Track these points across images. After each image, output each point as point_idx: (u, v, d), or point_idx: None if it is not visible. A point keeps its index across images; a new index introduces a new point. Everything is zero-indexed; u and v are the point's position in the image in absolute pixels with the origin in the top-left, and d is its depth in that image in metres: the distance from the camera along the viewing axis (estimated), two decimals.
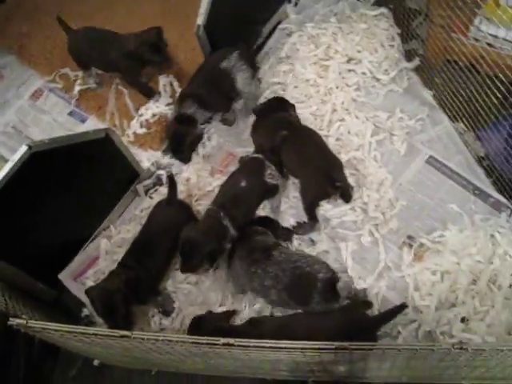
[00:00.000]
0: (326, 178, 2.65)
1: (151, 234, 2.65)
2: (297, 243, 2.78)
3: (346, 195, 2.75)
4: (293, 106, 2.97)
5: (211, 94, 2.98)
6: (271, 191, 2.73)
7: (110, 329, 2.31)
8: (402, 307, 2.33)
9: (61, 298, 2.82)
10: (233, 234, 2.54)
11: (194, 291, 2.73)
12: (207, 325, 2.38)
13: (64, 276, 2.78)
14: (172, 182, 2.72)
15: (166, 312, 2.67)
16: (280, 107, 2.94)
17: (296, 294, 2.39)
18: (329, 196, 2.74)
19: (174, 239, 2.52)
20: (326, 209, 2.84)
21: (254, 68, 3.12)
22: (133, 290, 2.42)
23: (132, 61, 3.05)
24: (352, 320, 2.32)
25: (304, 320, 2.40)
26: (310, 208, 2.75)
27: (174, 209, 2.71)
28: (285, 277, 2.38)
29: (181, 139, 3.00)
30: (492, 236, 2.66)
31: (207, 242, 2.45)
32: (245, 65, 3.00)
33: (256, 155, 2.74)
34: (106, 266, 2.81)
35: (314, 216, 2.76)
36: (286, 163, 2.80)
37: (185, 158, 3.09)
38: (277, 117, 2.87)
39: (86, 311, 2.74)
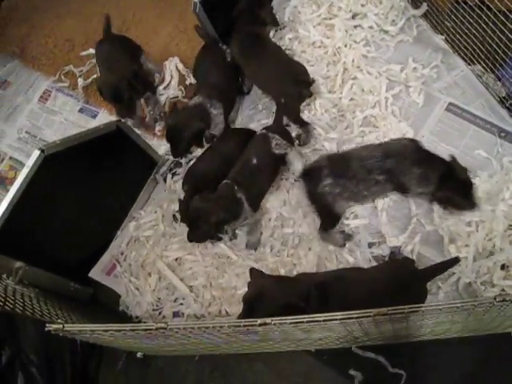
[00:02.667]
0: (296, 82, 2.79)
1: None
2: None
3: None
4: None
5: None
6: (282, 160, 2.71)
7: None
8: (454, 261, 2.29)
9: (96, 294, 2.84)
10: (246, 207, 2.54)
11: None
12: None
13: (95, 273, 2.80)
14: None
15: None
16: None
17: None
18: (304, 97, 2.86)
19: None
20: None
21: None
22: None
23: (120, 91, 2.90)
24: (403, 274, 2.25)
25: (358, 275, 2.33)
26: (296, 115, 2.87)
27: None
28: None
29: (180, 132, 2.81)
30: None
31: (214, 212, 2.45)
32: None
33: (260, 131, 2.72)
34: (136, 255, 2.82)
35: (304, 121, 2.89)
36: (255, 80, 3.03)
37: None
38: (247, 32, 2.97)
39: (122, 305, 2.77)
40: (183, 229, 2.76)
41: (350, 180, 2.41)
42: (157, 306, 2.72)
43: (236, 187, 2.52)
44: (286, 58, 2.97)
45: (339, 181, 2.42)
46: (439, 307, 1.63)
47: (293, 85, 2.79)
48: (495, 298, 1.58)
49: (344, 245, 2.67)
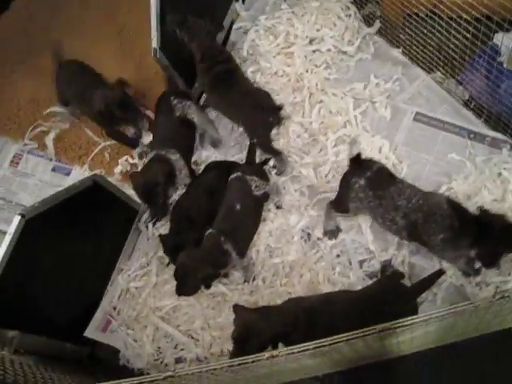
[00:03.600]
0: (263, 110, 2.84)
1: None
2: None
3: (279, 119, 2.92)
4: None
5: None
6: (265, 199, 2.76)
7: None
8: (439, 274, 2.32)
9: (95, 351, 2.79)
10: (234, 257, 2.54)
11: None
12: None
13: (91, 331, 2.74)
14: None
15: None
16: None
17: None
18: (273, 124, 2.89)
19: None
20: None
21: None
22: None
23: (104, 117, 3.01)
24: (391, 293, 2.27)
25: (345, 297, 2.35)
26: (267, 144, 2.90)
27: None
28: None
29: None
30: (499, 174, 2.64)
31: (201, 268, 2.45)
32: None
33: (236, 175, 2.72)
34: (129, 308, 2.78)
35: (275, 150, 2.91)
36: (227, 113, 3.02)
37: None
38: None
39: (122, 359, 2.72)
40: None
41: (377, 198, 2.39)
42: (158, 355, 2.67)
43: (222, 238, 2.51)
44: (252, 87, 3.03)
45: (368, 189, 2.41)
46: (439, 314, 1.64)
47: (261, 113, 2.85)
48: (494, 296, 1.60)
49: (330, 236, 2.73)
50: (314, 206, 2.83)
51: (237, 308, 2.24)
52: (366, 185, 2.41)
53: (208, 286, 2.65)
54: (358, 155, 2.49)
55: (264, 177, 2.74)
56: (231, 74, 2.96)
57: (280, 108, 2.85)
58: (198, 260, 2.47)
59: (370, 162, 2.49)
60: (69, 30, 3.32)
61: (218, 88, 2.96)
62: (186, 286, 2.49)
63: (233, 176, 2.72)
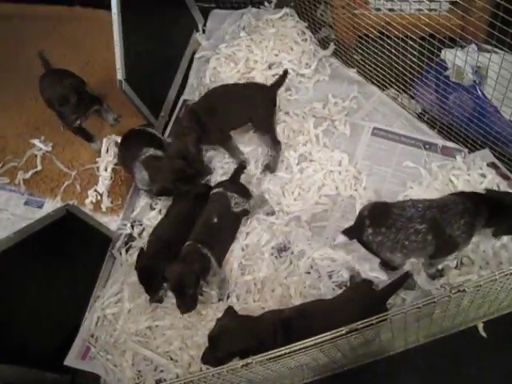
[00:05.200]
0: (262, 90, 3.00)
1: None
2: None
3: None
4: None
5: None
6: (243, 216, 2.84)
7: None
8: (405, 276, 2.41)
9: (75, 379, 2.80)
10: (214, 263, 2.61)
11: None
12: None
13: (70, 359, 2.77)
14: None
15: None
16: None
17: None
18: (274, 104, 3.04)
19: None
20: None
21: None
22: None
23: (65, 107, 3.07)
24: (362, 297, 2.36)
25: (321, 305, 2.43)
26: (273, 131, 3.03)
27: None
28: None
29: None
30: (450, 181, 2.78)
31: (191, 271, 2.47)
32: None
33: (217, 190, 2.81)
34: (106, 334, 2.81)
35: (277, 139, 3.06)
36: (230, 123, 3.06)
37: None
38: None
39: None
40: (147, 297, 2.80)
41: (389, 228, 2.35)
42: (138, 378, 2.69)
43: (200, 245, 2.58)
44: (240, 86, 3.12)
45: (379, 229, 2.37)
46: (402, 312, 1.74)
47: (261, 95, 2.96)
48: (451, 290, 1.71)
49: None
50: (287, 224, 2.92)
51: (228, 309, 2.36)
52: (374, 230, 2.38)
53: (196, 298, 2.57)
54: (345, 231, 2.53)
55: (245, 194, 2.83)
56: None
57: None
58: (185, 266, 2.48)
59: (359, 213, 2.51)
60: (35, 64, 3.39)
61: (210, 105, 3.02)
62: (187, 297, 2.48)
63: (214, 191, 2.81)
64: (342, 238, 2.51)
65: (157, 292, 2.73)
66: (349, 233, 2.51)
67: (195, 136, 2.91)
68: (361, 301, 2.32)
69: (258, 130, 3.10)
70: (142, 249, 2.76)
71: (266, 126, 3.01)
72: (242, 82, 3.35)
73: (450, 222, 2.30)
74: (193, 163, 2.88)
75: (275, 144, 3.04)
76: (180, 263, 2.51)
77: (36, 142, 3.43)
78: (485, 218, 2.33)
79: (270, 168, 3.07)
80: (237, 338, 2.21)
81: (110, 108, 3.35)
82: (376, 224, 2.36)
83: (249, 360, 1.76)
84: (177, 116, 3.51)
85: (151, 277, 2.67)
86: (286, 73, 3.08)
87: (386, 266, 2.55)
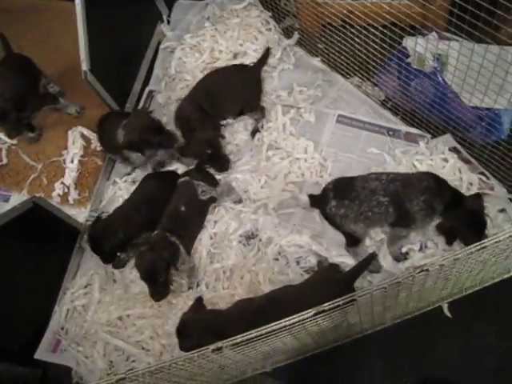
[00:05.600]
0: (246, 70, 3.13)
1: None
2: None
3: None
4: None
5: None
6: (211, 203, 2.87)
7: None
8: (371, 257, 2.45)
9: (46, 372, 2.78)
10: (182, 251, 2.62)
11: None
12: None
13: (41, 353, 2.75)
14: None
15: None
16: None
17: None
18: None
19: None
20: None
21: None
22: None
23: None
24: (330, 279, 2.40)
25: (290, 291, 2.45)
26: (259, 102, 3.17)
27: None
28: None
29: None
30: (414, 166, 2.84)
31: (161, 258, 2.49)
32: None
33: (184, 179, 2.83)
34: (77, 326, 2.81)
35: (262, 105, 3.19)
36: (227, 112, 3.16)
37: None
38: None
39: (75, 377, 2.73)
40: (117, 287, 2.83)
41: (353, 201, 2.46)
42: (110, 369, 2.69)
43: (168, 234, 2.60)
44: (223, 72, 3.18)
45: (342, 202, 2.47)
46: (369, 292, 1.79)
47: (247, 75, 3.09)
48: (414, 270, 1.76)
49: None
50: (254, 212, 2.94)
51: (197, 301, 2.43)
52: (337, 203, 2.48)
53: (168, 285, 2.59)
54: (311, 195, 2.65)
55: (212, 182, 2.85)
56: None
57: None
58: (155, 253, 2.50)
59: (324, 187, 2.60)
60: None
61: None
62: (158, 284, 2.49)
63: (181, 180, 2.83)
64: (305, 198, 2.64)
65: (112, 259, 2.82)
66: (313, 199, 2.61)
67: (210, 127, 3.03)
68: (328, 283, 2.36)
69: (248, 111, 3.15)
70: (97, 217, 2.83)
71: (256, 105, 3.12)
72: (207, 71, 3.32)
73: (410, 198, 2.40)
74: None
75: (262, 111, 3.17)
76: (149, 252, 2.52)
77: (1, 135, 3.36)
78: (444, 203, 2.41)
79: (257, 131, 3.16)
80: (201, 332, 2.23)
81: (68, 102, 3.33)
82: (340, 196, 2.48)
83: (219, 344, 1.78)
84: (143, 106, 3.50)
85: (102, 244, 2.74)
86: (268, 50, 3.19)
87: (350, 241, 2.62)
